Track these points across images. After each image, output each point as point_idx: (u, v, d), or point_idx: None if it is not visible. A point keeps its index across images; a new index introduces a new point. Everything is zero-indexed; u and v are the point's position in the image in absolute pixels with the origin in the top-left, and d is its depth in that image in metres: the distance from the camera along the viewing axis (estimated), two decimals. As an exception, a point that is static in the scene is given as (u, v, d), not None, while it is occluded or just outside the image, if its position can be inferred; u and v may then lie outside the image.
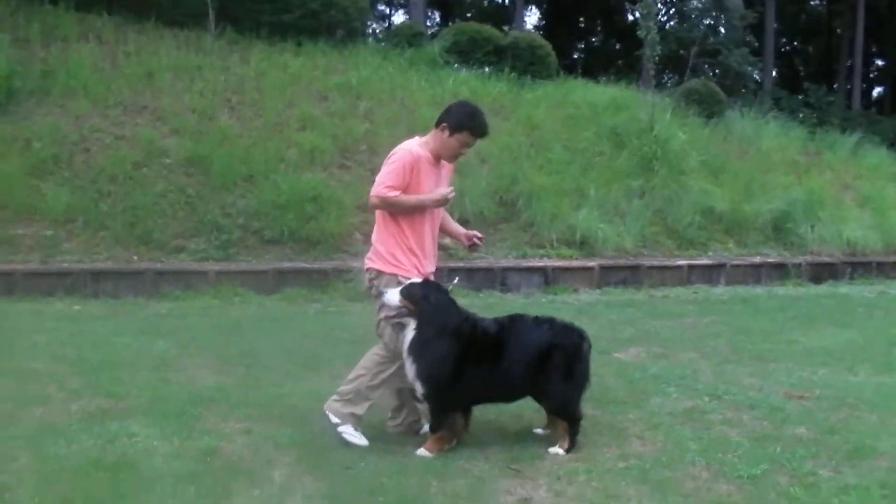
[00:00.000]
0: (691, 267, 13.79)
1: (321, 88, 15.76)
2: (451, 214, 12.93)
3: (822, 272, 14.69)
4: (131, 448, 5.29)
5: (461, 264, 12.61)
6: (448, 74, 17.40)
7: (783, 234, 15.25)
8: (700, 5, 27.18)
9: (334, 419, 5.66)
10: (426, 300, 5.44)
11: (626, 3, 18.26)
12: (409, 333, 5.48)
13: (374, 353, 5.80)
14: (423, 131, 15.34)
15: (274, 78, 15.45)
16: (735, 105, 19.93)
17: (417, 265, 5.69)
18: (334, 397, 5.76)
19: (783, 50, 40.11)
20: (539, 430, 5.89)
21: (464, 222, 12.95)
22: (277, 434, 5.68)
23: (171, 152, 13.24)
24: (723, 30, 26.85)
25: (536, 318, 5.84)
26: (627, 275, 13.43)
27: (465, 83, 17.03)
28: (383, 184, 5.57)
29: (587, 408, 6.31)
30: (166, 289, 11.14)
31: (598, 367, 7.71)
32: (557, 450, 5.50)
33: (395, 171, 5.58)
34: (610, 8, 36.98)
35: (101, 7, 16.27)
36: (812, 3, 41.60)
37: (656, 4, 17.20)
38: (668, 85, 20.53)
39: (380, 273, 5.72)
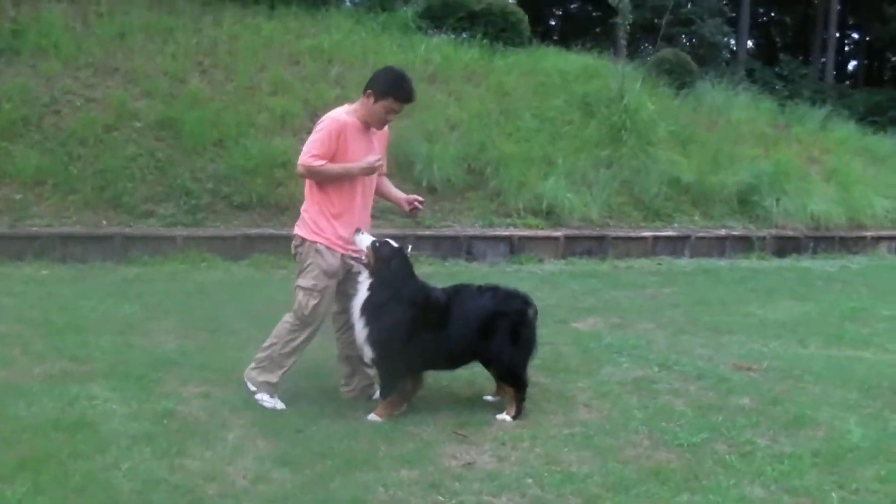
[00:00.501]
0: (656, 238, 13.96)
1: (293, 52, 15.75)
2: (420, 181, 13.25)
3: (785, 246, 14.91)
4: (90, 410, 5.45)
5: (429, 232, 12.76)
6: (420, 40, 17.38)
7: (749, 206, 15.40)
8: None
9: (251, 387, 5.83)
10: (387, 262, 5.59)
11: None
12: (362, 293, 5.61)
13: (284, 322, 5.92)
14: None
15: (246, 41, 15.43)
16: (707, 76, 20.00)
17: (342, 234, 5.75)
18: (252, 365, 5.92)
19: (760, 20, 40.11)
20: (489, 398, 6.07)
21: (431, 190, 13.31)
22: (234, 398, 5.84)
23: (142, 115, 13.24)
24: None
25: (480, 286, 6.02)
26: (593, 245, 13.59)
27: (436, 49, 17.03)
28: (309, 153, 5.62)
29: (538, 376, 6.54)
30: (135, 253, 11.22)
31: (555, 335, 8.02)
32: (505, 416, 5.69)
33: (321, 140, 5.63)
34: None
35: (71, -35, 16.13)
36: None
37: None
38: (644, 54, 20.56)
39: (303, 240, 5.82)
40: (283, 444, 5.04)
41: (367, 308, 5.59)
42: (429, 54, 16.72)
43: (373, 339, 5.58)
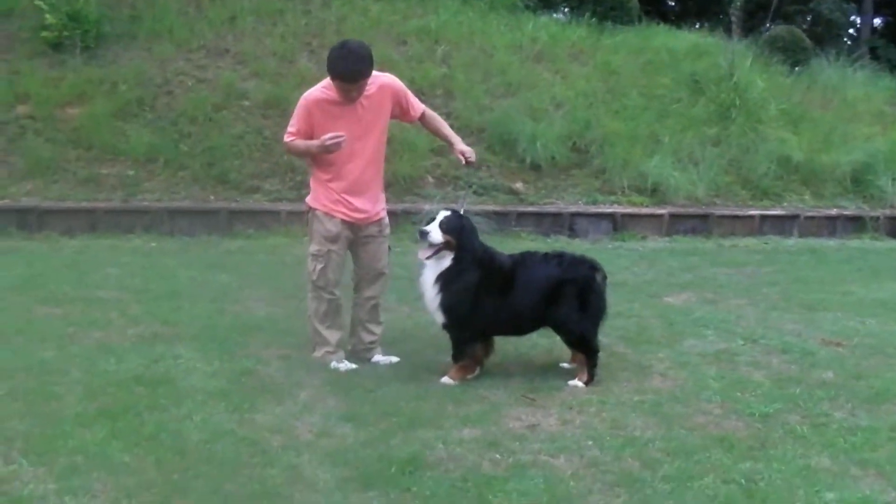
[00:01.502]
0: (763, 217, 13.64)
1: (400, 32, 15.90)
2: (523, 158, 13.26)
3: (900, 226, 14.38)
4: (173, 367, 5.69)
5: (531, 209, 12.79)
6: (528, 19, 17.37)
7: (862, 186, 14.88)
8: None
9: (324, 363, 5.97)
10: (463, 230, 5.67)
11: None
12: (442, 265, 5.68)
13: (308, 294, 6.12)
14: (499, 76, 15.46)
15: (354, 22, 15.63)
16: (824, 54, 19.40)
17: (342, 202, 5.91)
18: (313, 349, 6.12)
19: (890, -1, 38.67)
20: (565, 365, 6.08)
21: (535, 167, 13.33)
22: (313, 360, 6.01)
23: (251, 95, 13.60)
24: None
25: (547, 253, 6.05)
26: (697, 223, 13.37)
27: (544, 28, 16.98)
28: (287, 129, 5.91)
29: (618, 346, 6.56)
30: (239, 227, 11.56)
31: (643, 309, 7.98)
32: (577, 382, 5.69)
33: (295, 117, 5.89)
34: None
35: (187, -49, 16.65)
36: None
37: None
38: (760, 33, 20.07)
39: (308, 209, 6.05)
40: (351, 403, 5.17)
41: (445, 276, 5.68)
42: (536, 33, 16.70)
43: (444, 305, 5.67)
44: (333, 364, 5.92)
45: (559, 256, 5.99)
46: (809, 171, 14.76)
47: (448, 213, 5.78)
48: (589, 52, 16.69)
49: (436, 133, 6.43)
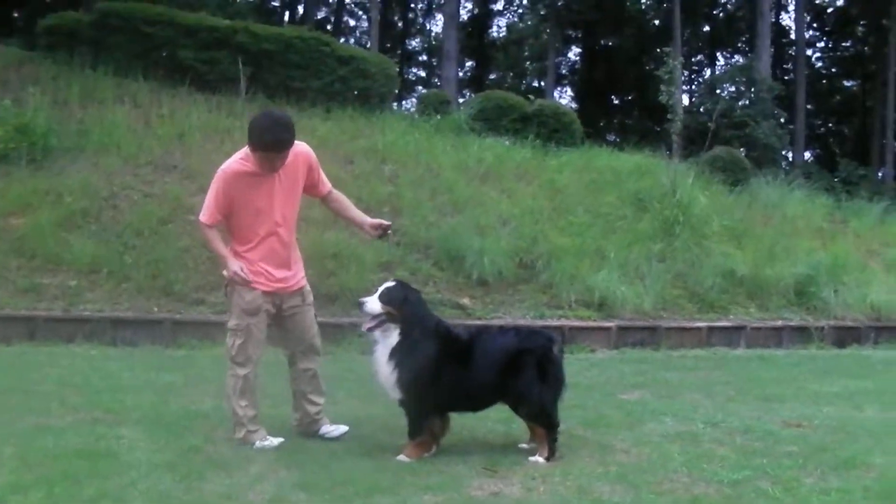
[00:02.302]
0: (711, 329, 13.67)
1: (347, 152, 16.04)
2: (470, 274, 13.26)
3: (846, 336, 14.48)
4: (115, 444, 5.47)
5: (479, 323, 12.66)
6: (473, 140, 17.65)
7: (806, 297, 15.04)
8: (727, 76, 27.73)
9: (248, 443, 5.75)
10: (406, 301, 5.52)
11: (658, 79, 18.43)
12: (392, 339, 5.54)
13: (228, 371, 5.93)
14: (446, 194, 15.54)
15: (301, 140, 15.68)
16: (763, 175, 19.89)
17: (262, 273, 5.81)
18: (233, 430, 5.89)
19: (818, 132, 40.26)
20: (524, 445, 5.92)
21: (482, 282, 13.30)
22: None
23: (197, 209, 13.38)
24: (749, 101, 27.00)
25: (502, 326, 5.97)
26: (645, 336, 13.35)
27: (489, 149, 17.25)
28: (203, 209, 5.84)
29: (577, 429, 6.40)
30: (183, 338, 11.28)
31: (600, 403, 7.86)
32: (537, 458, 5.54)
33: (212, 193, 5.79)
34: (642, 84, 37.49)
35: (137, 72, 16.84)
36: (845, 82, 41.92)
37: (679, 68, 17.29)
38: (697, 155, 20.61)
39: (229, 281, 5.89)
40: (305, 473, 4.99)
41: (397, 352, 5.53)
42: (482, 154, 16.93)
43: (402, 380, 5.51)
44: (258, 444, 5.72)
45: (515, 329, 5.92)
46: (754, 284, 14.88)
47: (391, 284, 5.68)
48: (534, 172, 16.92)
49: (341, 214, 6.36)
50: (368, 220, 6.18)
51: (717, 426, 6.77)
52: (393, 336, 5.53)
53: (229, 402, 5.86)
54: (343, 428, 6.02)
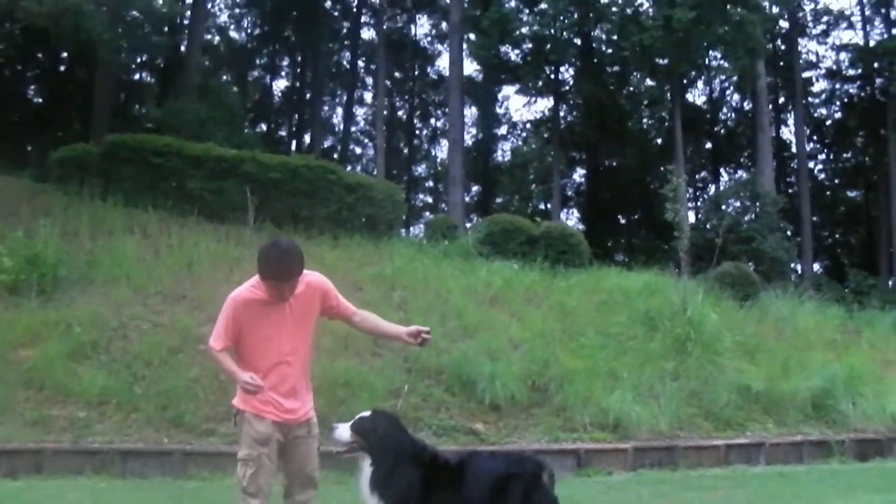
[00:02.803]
0: (729, 447, 13.48)
1: (356, 279, 16.09)
2: (482, 399, 13.15)
3: (867, 449, 14.23)
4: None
5: (492, 448, 12.49)
6: (481, 264, 17.74)
7: (824, 411, 14.85)
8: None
9: None
10: (374, 432, 5.49)
11: (663, 198, 18.66)
12: (365, 471, 5.48)
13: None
14: (456, 319, 15.57)
15: (310, 268, 15.68)
16: (773, 288, 19.90)
17: (272, 402, 5.74)
18: None
19: (825, 243, 40.40)
20: None
21: (494, 407, 13.17)
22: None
23: (207, 339, 13.36)
24: (754, 216, 27.16)
25: (493, 452, 5.91)
26: (663, 456, 13.16)
27: (497, 272, 17.34)
28: (213, 335, 5.84)
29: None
30: (194, 469, 11.15)
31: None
32: None
33: (221, 320, 5.81)
34: (648, 203, 37.79)
35: (146, 202, 17.09)
36: (849, 192, 42.24)
37: (683, 186, 17.48)
38: (706, 272, 20.68)
39: (236, 410, 5.86)
40: None
41: (376, 482, 5.44)
42: (490, 277, 17.03)
43: None
44: None
45: (506, 454, 5.88)
46: (770, 400, 14.73)
47: (365, 414, 5.66)
48: (543, 294, 16.96)
49: (374, 331, 6.37)
50: (404, 329, 6.16)
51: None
52: (366, 466, 5.49)
53: None
54: None
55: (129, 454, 11.11)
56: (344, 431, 5.47)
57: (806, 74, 41.76)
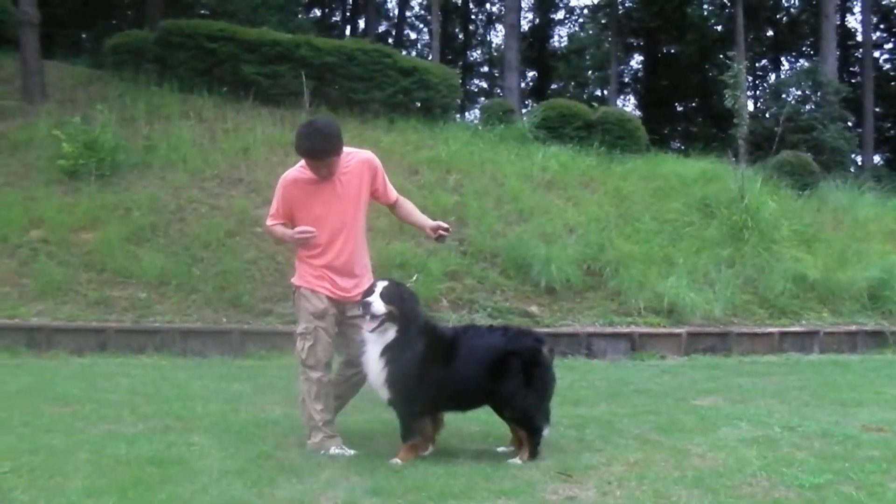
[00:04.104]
0: (783, 334, 13.41)
1: (412, 162, 16.07)
2: (537, 282, 13.16)
3: (922, 340, 14.13)
4: (187, 451, 5.48)
5: (547, 330, 12.52)
6: (537, 149, 17.57)
7: (880, 302, 14.67)
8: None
9: (321, 451, 5.72)
10: (403, 300, 5.51)
11: (721, 85, 18.17)
12: (385, 338, 5.48)
13: (299, 376, 5.95)
14: (511, 203, 15.46)
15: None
16: (831, 180, 19.52)
17: (326, 278, 5.84)
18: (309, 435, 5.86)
19: (887, 134, 39.40)
20: (502, 449, 5.87)
21: (549, 290, 13.19)
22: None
23: (263, 222, 13.54)
24: (815, 105, 26.56)
25: (491, 326, 5.93)
26: (716, 342, 13.14)
27: (553, 157, 17.17)
28: (268, 215, 6.00)
29: (651, 434, 6.27)
30: (252, 348, 11.34)
31: (673, 408, 7.72)
32: (516, 460, 5.50)
33: (274, 200, 5.96)
34: (706, 91, 37.11)
35: (202, 88, 17.06)
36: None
37: (743, 72, 17.05)
38: (764, 161, 20.28)
39: (294, 288, 6.00)
40: (377, 480, 4.94)
41: (390, 347, 5.49)
42: (546, 162, 16.86)
43: (390, 380, 5.48)
44: (333, 450, 5.70)
45: (504, 328, 5.90)
46: (825, 289, 14.57)
47: (386, 282, 5.63)
48: (599, 180, 16.79)
49: (406, 219, 6.40)
50: (429, 222, 6.20)
51: (794, 430, 6.57)
52: (389, 334, 5.48)
53: (303, 406, 5.85)
54: (351, 452, 5.84)
55: (188, 333, 11.31)
56: (378, 303, 5.42)
57: (875, -40, 40.30)
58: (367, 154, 6.04)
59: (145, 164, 14.61)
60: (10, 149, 14.94)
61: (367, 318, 5.43)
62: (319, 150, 5.66)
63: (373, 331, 5.45)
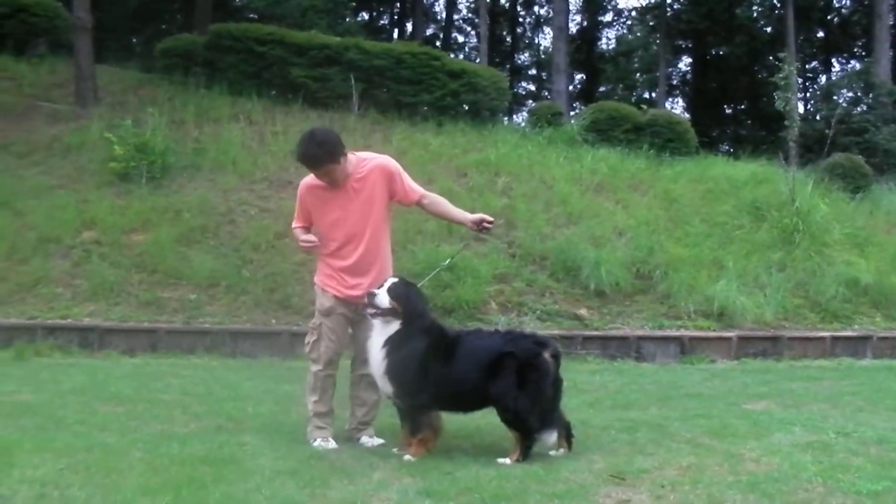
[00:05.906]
0: (835, 339, 13.24)
1: (460, 165, 16.07)
2: (587, 284, 13.09)
3: (978, 347, 13.86)
4: (239, 451, 5.53)
5: (596, 333, 12.52)
6: (586, 151, 17.51)
7: (934, 307, 14.52)
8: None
9: (310, 440, 5.96)
10: (409, 298, 5.66)
11: (772, 87, 17.98)
12: (388, 329, 5.64)
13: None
14: (560, 206, 15.40)
15: (414, 155, 15.78)
16: (885, 182, 19.25)
17: (335, 278, 6.02)
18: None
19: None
20: (553, 452, 5.84)
21: (599, 293, 13.12)
22: (387, 449, 5.88)
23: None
24: (867, 107, 26.18)
25: (496, 329, 5.97)
26: (767, 346, 13.01)
27: (603, 160, 17.11)
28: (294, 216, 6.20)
29: (703, 438, 6.22)
30: (301, 350, 11.30)
31: (724, 413, 7.65)
32: (505, 460, 5.49)
33: (296, 207, 6.18)
34: (755, 93, 36.73)
35: (251, 91, 17.20)
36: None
37: (794, 74, 16.84)
38: (815, 163, 20.05)
39: (314, 284, 6.23)
40: (429, 481, 4.93)
41: (391, 340, 5.64)
42: (595, 165, 16.82)
43: (390, 372, 5.60)
44: (318, 442, 5.88)
45: (509, 331, 6.01)
46: (879, 293, 14.35)
47: (396, 280, 5.78)
48: (648, 182, 16.70)
49: (442, 215, 6.51)
50: (468, 216, 6.28)
51: (849, 436, 6.47)
52: (393, 326, 5.64)
53: (305, 395, 6.15)
54: (379, 440, 6.09)
55: (238, 334, 11.42)
56: (384, 296, 5.60)
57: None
58: (382, 159, 6.15)
59: (195, 167, 14.79)
60: (64, 152, 15.17)
61: (370, 308, 5.63)
62: (313, 157, 5.83)
63: (372, 315, 5.66)
